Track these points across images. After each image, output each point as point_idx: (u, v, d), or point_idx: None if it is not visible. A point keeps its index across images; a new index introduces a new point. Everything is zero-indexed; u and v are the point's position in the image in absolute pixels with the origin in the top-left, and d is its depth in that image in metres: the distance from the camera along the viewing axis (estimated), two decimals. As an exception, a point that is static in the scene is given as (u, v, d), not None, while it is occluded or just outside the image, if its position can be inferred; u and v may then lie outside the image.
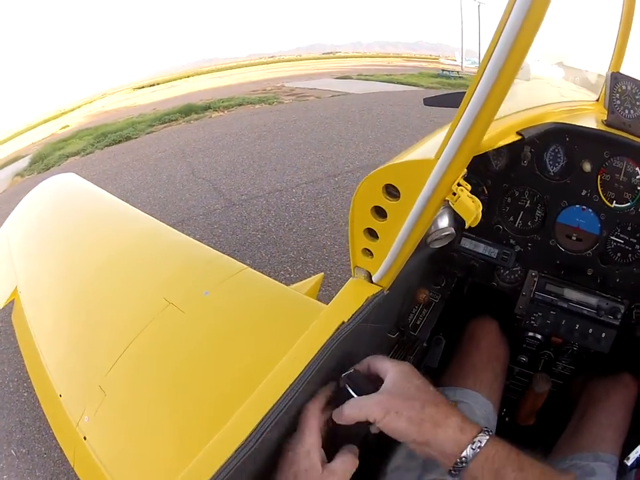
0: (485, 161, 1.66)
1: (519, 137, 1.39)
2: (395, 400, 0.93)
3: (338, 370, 1.10)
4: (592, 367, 1.95)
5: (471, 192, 1.60)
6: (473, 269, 1.84)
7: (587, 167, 1.62)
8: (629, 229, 1.69)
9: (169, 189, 7.25)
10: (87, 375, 1.61)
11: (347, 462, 0.97)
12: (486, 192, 1.75)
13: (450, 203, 0.92)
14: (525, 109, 1.62)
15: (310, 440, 0.95)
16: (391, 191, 1.01)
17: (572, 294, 1.76)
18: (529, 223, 1.77)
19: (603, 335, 1.72)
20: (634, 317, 1.73)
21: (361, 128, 10.18)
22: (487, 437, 0.90)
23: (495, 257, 1.76)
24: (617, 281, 1.75)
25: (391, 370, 1.00)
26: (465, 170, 0.93)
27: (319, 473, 0.92)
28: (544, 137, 1.60)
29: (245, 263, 1.91)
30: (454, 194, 0.91)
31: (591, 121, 1.71)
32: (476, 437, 0.90)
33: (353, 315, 1.10)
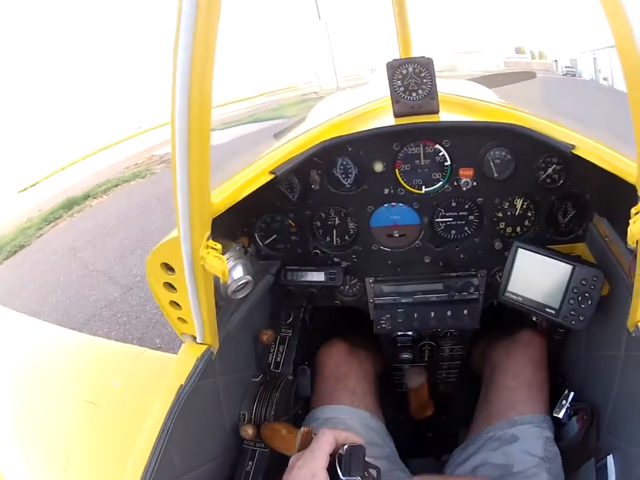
0: (280, 197, 1.68)
1: (272, 176, 1.39)
2: None
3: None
4: (484, 337, 1.99)
5: (278, 229, 1.73)
6: (313, 295, 1.85)
7: (378, 167, 1.61)
8: (454, 204, 1.69)
9: (69, 289, 7.02)
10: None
11: None
12: (293, 224, 1.75)
13: (205, 266, 1.01)
14: (284, 144, 1.59)
15: (318, 463, 1.03)
16: (169, 266, 1.12)
17: (414, 287, 1.78)
18: (346, 237, 1.77)
19: (465, 312, 1.74)
20: (499, 280, 1.69)
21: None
22: None
23: (323, 279, 1.77)
24: (462, 256, 1.76)
25: None
26: (209, 232, 1.03)
27: None
28: (326, 155, 1.59)
29: (154, 343, 1.98)
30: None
31: (380, 118, 1.73)
32: None
33: (187, 376, 1.20)
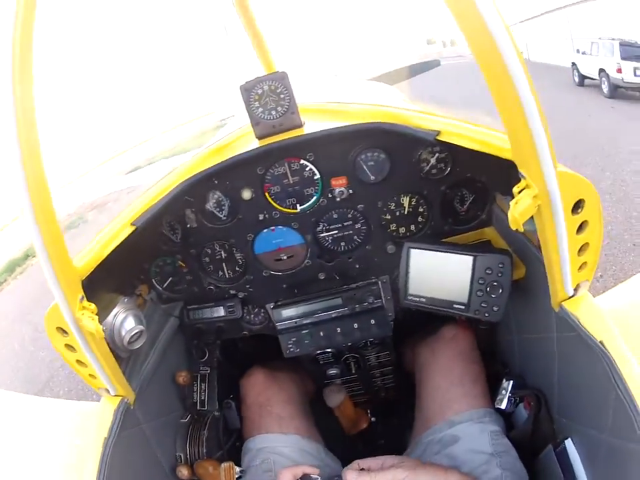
0: (164, 241, 1.67)
1: (133, 228, 1.34)
2: None
3: None
4: (410, 337, 1.98)
5: (171, 271, 1.74)
6: (221, 329, 1.83)
7: (246, 194, 1.58)
8: (335, 216, 1.65)
9: (24, 354, 6.88)
10: None
11: None
12: (184, 265, 1.73)
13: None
14: (148, 190, 1.51)
15: None
16: (63, 329, 1.14)
17: (315, 306, 1.75)
18: (237, 268, 1.75)
19: (372, 321, 1.71)
20: None
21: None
22: None
23: (223, 314, 1.77)
24: (358, 266, 1.73)
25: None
26: (81, 294, 1.07)
27: None
28: (194, 192, 1.55)
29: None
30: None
31: (246, 144, 1.61)
32: None
33: (109, 429, 1.22)
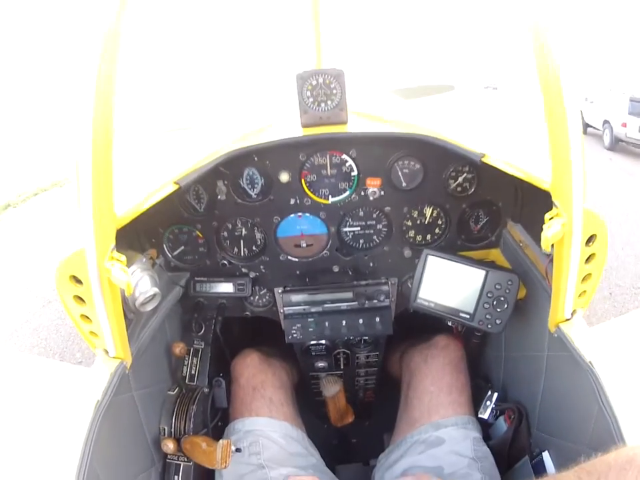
0: (187, 208, 1.69)
1: (176, 187, 1.34)
2: None
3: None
4: (400, 343, 2.02)
5: (186, 240, 1.72)
6: (223, 306, 1.84)
7: (284, 177, 1.60)
8: (361, 214, 1.71)
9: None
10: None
11: None
12: (201, 236, 1.74)
13: (110, 278, 1.00)
14: (190, 154, 1.59)
15: None
16: (77, 279, 1.10)
17: (325, 296, 1.79)
18: (254, 248, 1.78)
19: (377, 319, 1.76)
20: (410, 287, 1.71)
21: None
22: None
23: (232, 290, 1.78)
24: (372, 265, 1.78)
25: None
26: (114, 243, 1.02)
27: None
28: (232, 165, 1.57)
29: (75, 357, 1.89)
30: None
31: (288, 129, 1.66)
32: None
33: (103, 391, 1.17)
